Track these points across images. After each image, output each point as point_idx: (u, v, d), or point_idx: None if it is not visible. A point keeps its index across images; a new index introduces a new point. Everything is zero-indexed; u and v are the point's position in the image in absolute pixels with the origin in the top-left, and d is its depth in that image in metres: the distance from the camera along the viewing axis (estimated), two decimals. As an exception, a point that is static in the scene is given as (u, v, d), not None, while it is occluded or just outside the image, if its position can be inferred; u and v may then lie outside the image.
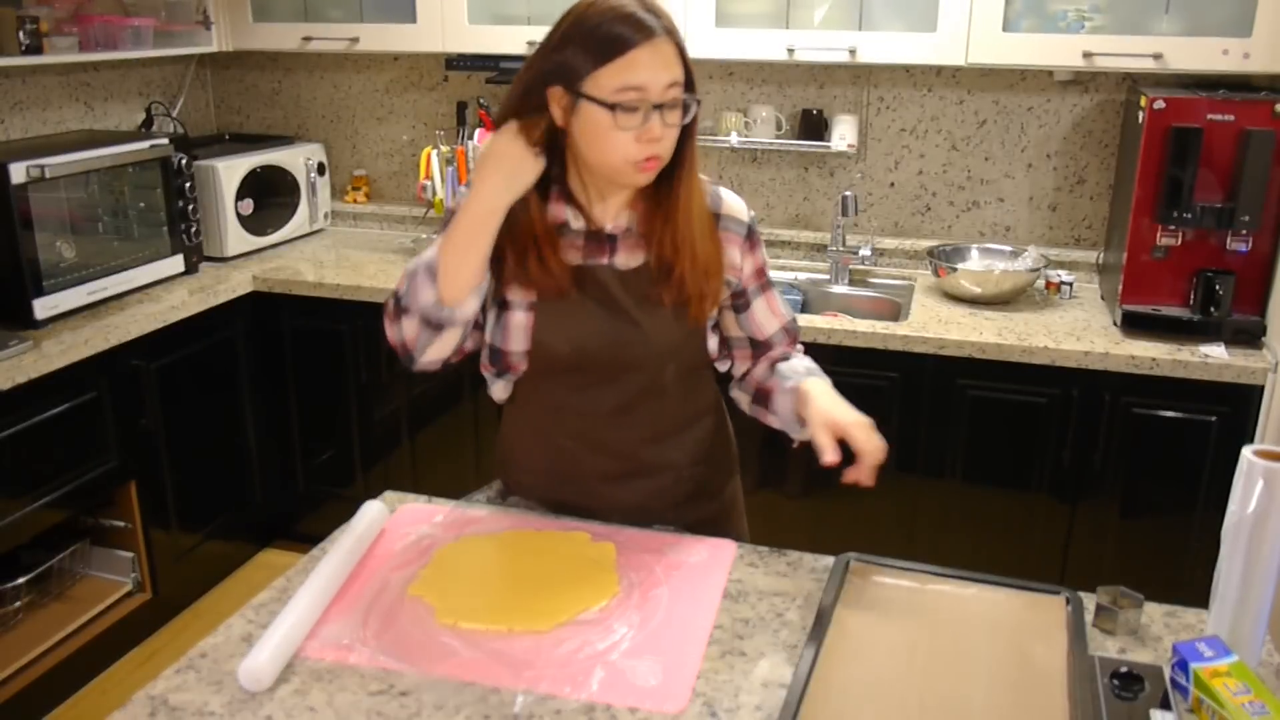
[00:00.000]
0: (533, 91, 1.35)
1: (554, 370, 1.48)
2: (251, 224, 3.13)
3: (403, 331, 1.41)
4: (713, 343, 1.53)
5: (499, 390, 1.57)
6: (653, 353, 1.46)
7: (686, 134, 1.39)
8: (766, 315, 1.54)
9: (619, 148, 1.33)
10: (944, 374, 2.46)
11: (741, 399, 1.60)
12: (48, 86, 2.98)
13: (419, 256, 1.40)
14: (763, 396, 1.54)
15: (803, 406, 1.42)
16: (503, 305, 1.46)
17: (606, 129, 1.31)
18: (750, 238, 1.51)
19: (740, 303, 1.53)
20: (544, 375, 1.49)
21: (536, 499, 1.60)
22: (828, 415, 1.36)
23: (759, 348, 1.55)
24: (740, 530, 1.67)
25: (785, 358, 1.56)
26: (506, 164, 1.33)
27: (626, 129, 1.31)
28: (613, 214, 1.44)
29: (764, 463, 2.65)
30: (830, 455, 1.31)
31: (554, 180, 1.42)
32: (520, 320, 1.45)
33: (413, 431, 2.99)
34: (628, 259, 1.44)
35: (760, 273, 1.53)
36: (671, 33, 1.33)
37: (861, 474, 1.32)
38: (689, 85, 1.35)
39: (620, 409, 1.49)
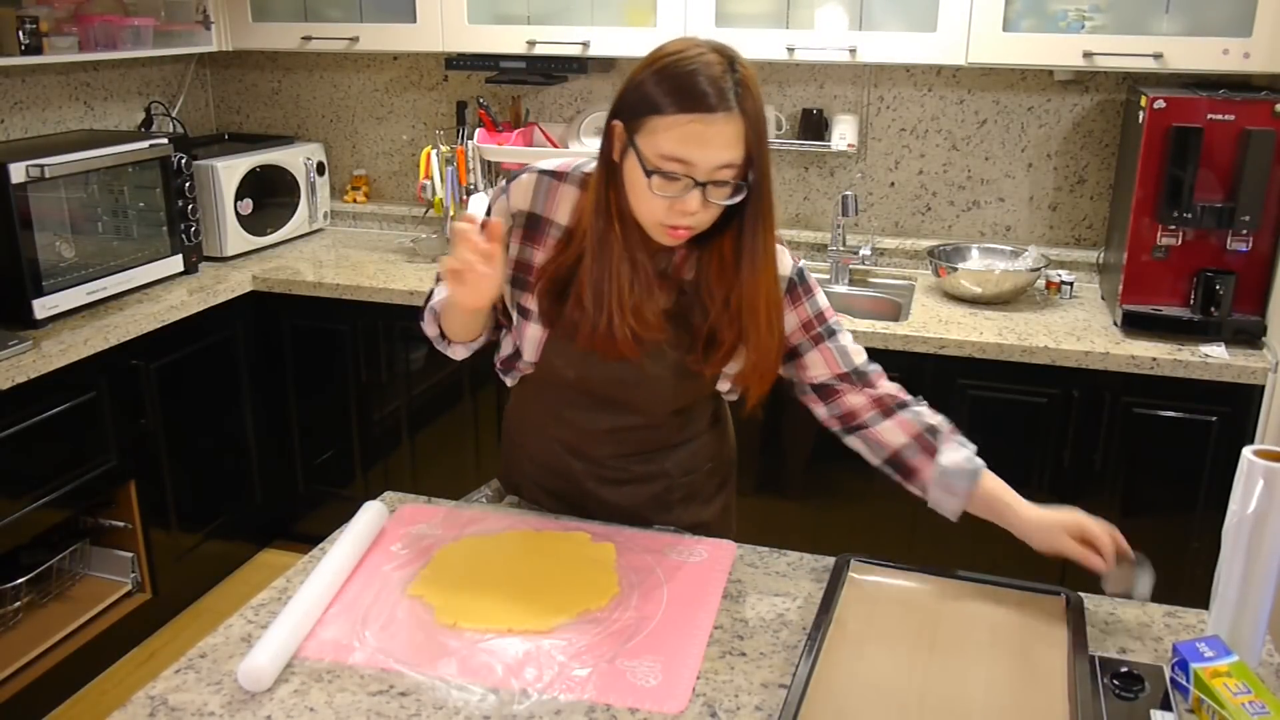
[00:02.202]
0: (612, 116, 1.31)
1: (557, 385, 1.49)
2: (251, 224, 3.13)
3: (427, 331, 1.55)
4: (723, 384, 1.48)
5: (510, 380, 1.59)
6: (654, 399, 1.46)
7: (751, 215, 1.31)
8: (819, 364, 1.46)
9: (651, 208, 1.28)
10: (944, 374, 2.46)
11: (832, 425, 1.50)
12: (48, 86, 2.98)
13: (439, 289, 1.48)
14: (897, 464, 1.45)
15: (1007, 521, 1.39)
16: (521, 312, 1.46)
17: (644, 186, 1.26)
18: (791, 291, 1.44)
19: (785, 355, 1.46)
20: (547, 383, 1.51)
21: (535, 485, 1.62)
22: (1057, 528, 1.35)
23: (821, 390, 1.47)
24: (729, 536, 1.65)
25: (899, 404, 1.45)
26: (463, 276, 1.27)
27: (662, 196, 1.26)
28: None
29: (763, 465, 2.65)
30: (1104, 562, 1.31)
31: None
32: (534, 334, 1.45)
33: (413, 431, 2.99)
34: None
35: (810, 325, 1.45)
36: (747, 113, 1.24)
37: (1111, 561, 1.31)
38: (751, 165, 1.26)
39: (613, 431, 1.51)
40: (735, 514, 1.71)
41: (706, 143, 1.23)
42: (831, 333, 1.46)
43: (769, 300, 1.37)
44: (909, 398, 1.48)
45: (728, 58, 1.26)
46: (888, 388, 1.47)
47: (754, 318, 1.37)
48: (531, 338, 1.45)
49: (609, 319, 1.35)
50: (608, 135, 1.31)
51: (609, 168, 1.32)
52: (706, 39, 1.30)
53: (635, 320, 1.35)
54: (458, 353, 1.54)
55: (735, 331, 1.38)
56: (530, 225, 1.43)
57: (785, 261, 1.43)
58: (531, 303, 1.43)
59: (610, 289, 1.34)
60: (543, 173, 1.42)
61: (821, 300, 1.47)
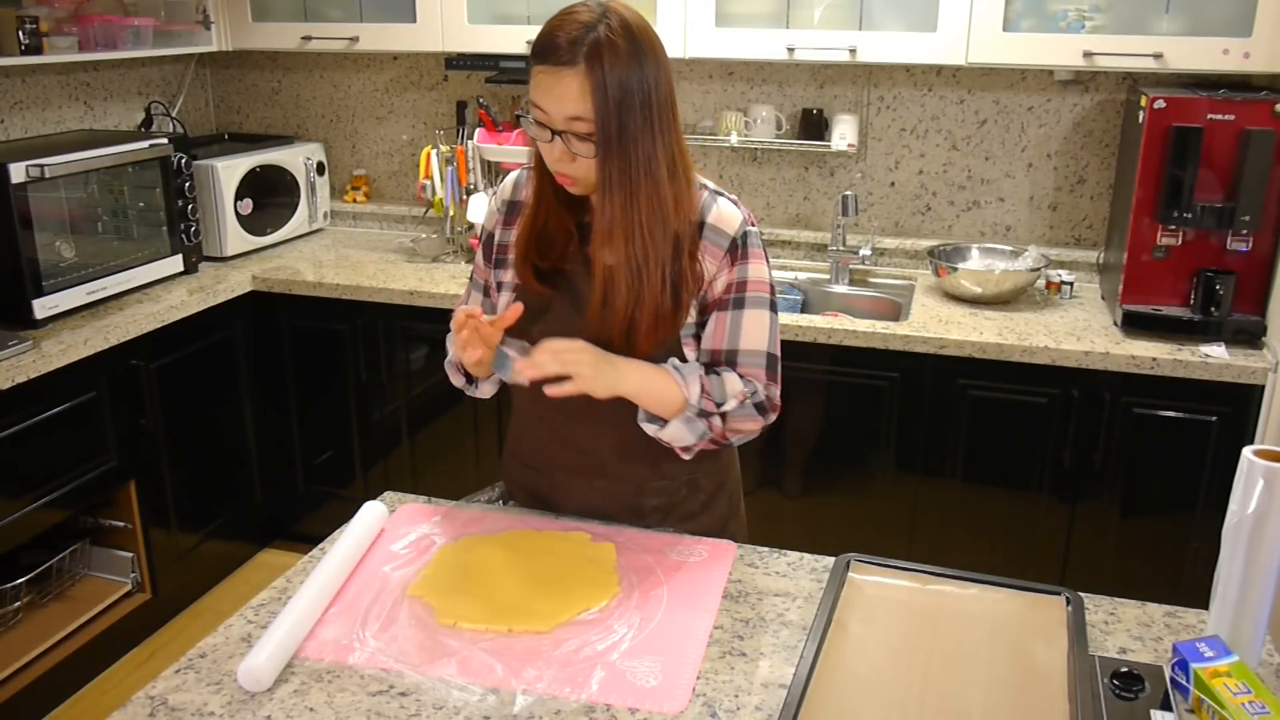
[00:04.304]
0: None
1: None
2: (251, 224, 3.13)
3: (454, 381, 1.59)
4: (691, 355, 1.45)
5: (484, 389, 1.58)
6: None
7: (606, 176, 1.32)
8: (709, 330, 1.45)
9: (542, 151, 1.37)
10: (944, 374, 2.46)
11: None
12: (48, 86, 2.98)
13: (452, 345, 1.51)
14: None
15: None
16: (499, 288, 1.53)
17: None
18: (732, 251, 1.42)
19: (705, 319, 1.45)
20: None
21: (517, 485, 1.63)
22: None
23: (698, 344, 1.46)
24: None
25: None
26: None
27: (534, 138, 1.36)
28: None
29: (763, 464, 2.65)
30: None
31: None
32: (505, 300, 1.51)
33: (413, 431, 2.99)
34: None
35: (729, 288, 1.43)
36: (594, 71, 1.27)
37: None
38: (617, 125, 1.29)
39: (584, 404, 1.44)
40: (739, 534, 1.63)
41: (550, 92, 1.30)
42: (740, 304, 1.43)
43: (618, 273, 1.36)
44: (741, 386, 1.44)
45: (598, 17, 1.30)
46: (735, 383, 1.44)
47: (605, 281, 1.38)
48: (503, 305, 1.51)
49: (519, 253, 1.46)
50: None
51: None
52: None
53: (536, 251, 1.44)
54: (485, 391, 1.57)
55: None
56: (509, 211, 1.54)
57: (733, 220, 1.42)
58: (508, 277, 1.51)
59: (520, 223, 1.47)
60: (525, 167, 1.52)
61: (753, 271, 1.43)
